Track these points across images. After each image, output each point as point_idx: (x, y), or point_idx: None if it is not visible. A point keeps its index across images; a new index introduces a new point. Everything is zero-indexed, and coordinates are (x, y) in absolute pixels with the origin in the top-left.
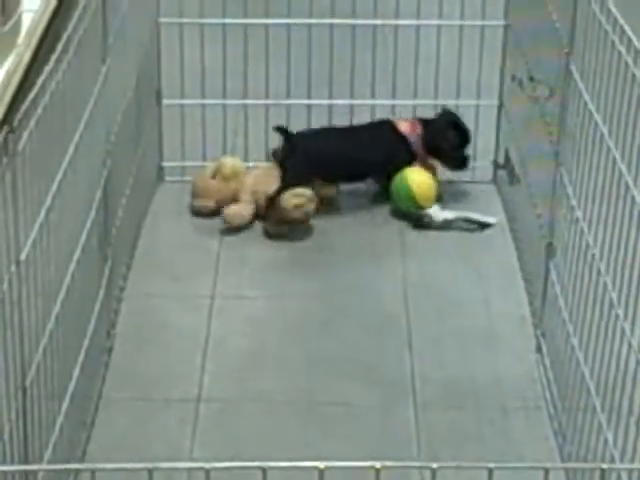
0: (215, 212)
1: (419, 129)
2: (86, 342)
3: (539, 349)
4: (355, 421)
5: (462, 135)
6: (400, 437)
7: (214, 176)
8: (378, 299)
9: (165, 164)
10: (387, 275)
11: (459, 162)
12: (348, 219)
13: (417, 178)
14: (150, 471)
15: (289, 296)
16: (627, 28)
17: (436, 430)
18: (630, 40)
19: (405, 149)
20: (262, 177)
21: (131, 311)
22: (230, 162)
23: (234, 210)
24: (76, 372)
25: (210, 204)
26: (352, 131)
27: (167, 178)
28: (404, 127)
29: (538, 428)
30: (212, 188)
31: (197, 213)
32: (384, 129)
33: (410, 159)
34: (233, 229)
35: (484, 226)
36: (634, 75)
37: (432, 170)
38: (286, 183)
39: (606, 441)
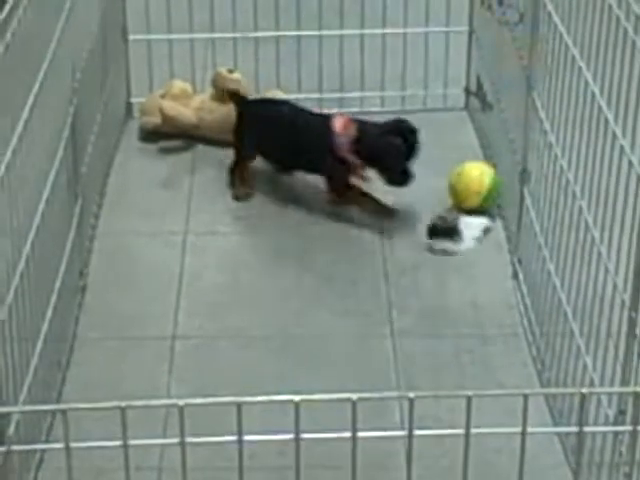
0: (159, 128)
1: (352, 130)
2: (58, 282)
3: (515, 276)
4: (333, 353)
5: (408, 147)
6: (378, 367)
7: (163, 96)
8: (352, 229)
9: (133, 100)
10: None
11: (399, 177)
12: None
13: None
14: (122, 409)
15: (262, 230)
16: None
17: (414, 359)
18: None
19: (324, 147)
20: (207, 100)
21: (103, 249)
22: (179, 83)
23: (171, 104)
24: (49, 313)
25: (156, 120)
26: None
27: (136, 115)
28: (337, 124)
29: (516, 355)
30: (159, 105)
31: (144, 130)
32: (319, 121)
33: (327, 160)
34: (168, 122)
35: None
36: None
37: (363, 180)
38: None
39: (585, 365)
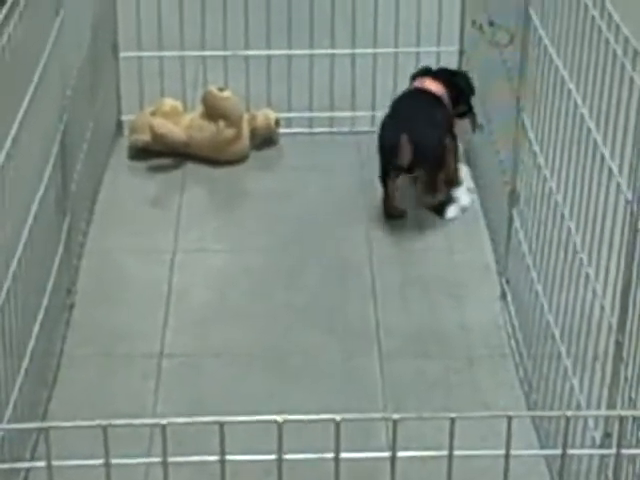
0: (149, 145)
1: (442, 87)
2: (45, 300)
3: (504, 296)
4: (320, 372)
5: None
6: (365, 387)
7: (154, 114)
8: (342, 249)
9: (124, 118)
10: (351, 224)
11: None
12: (310, 169)
13: None
14: (104, 428)
15: (251, 249)
16: None
17: (402, 380)
18: None
19: (443, 112)
20: (198, 118)
21: (92, 267)
22: (170, 101)
23: (162, 121)
24: (36, 330)
25: (145, 138)
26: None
27: (126, 132)
28: (434, 87)
29: (504, 376)
30: (149, 123)
31: (133, 147)
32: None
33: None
34: (158, 140)
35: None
36: (593, 17)
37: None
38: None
39: (572, 388)
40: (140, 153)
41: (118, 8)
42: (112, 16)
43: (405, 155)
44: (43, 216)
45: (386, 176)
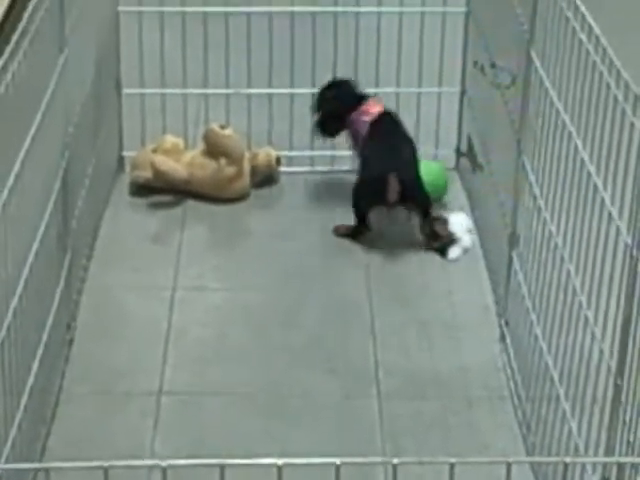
0: (150, 182)
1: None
2: (45, 335)
3: (503, 338)
4: (319, 412)
5: None
6: (364, 428)
7: (155, 151)
8: (341, 288)
9: (126, 154)
10: (350, 264)
11: None
12: (311, 208)
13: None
14: (105, 469)
15: (251, 287)
16: (588, 15)
17: (400, 421)
18: (591, 27)
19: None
20: (199, 156)
21: (92, 303)
22: (171, 138)
23: (163, 158)
24: (35, 366)
25: (147, 174)
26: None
27: (127, 169)
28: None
29: (502, 418)
30: (151, 160)
31: (134, 184)
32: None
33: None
34: (159, 176)
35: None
36: (595, 62)
37: None
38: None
39: (570, 430)
40: (141, 190)
41: (121, 45)
42: (115, 53)
43: (393, 192)
44: (44, 252)
45: (367, 213)
